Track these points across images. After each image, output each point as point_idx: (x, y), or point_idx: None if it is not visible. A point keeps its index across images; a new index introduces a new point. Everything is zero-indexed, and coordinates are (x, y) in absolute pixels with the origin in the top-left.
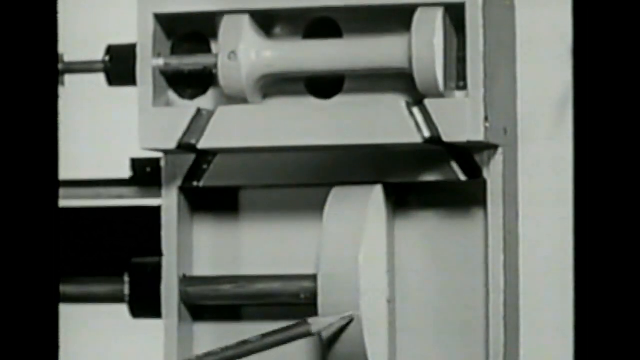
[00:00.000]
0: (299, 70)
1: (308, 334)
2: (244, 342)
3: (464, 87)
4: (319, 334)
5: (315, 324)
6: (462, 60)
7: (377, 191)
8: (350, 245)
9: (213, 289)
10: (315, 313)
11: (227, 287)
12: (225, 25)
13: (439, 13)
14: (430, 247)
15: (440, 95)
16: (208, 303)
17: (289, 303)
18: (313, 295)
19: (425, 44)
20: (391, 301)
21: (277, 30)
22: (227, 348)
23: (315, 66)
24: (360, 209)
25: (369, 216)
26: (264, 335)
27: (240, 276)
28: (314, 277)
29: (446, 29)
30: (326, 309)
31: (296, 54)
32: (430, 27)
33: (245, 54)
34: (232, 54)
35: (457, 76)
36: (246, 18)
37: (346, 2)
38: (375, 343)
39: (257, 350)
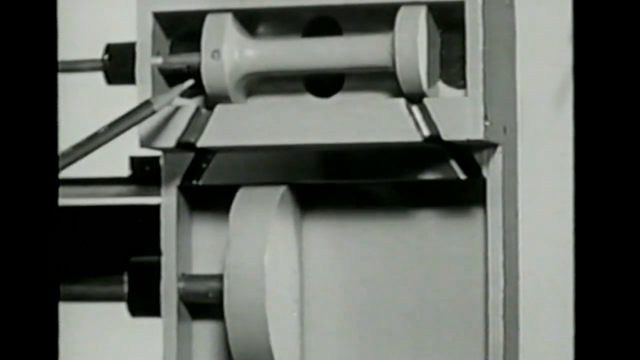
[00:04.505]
0: (283, 69)
1: (152, 113)
2: (95, 135)
3: (463, 86)
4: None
5: (157, 101)
6: (461, 59)
7: (283, 192)
8: (256, 245)
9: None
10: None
11: None
12: (209, 24)
13: (422, 11)
14: (430, 245)
15: (423, 94)
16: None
17: (198, 302)
18: (220, 295)
19: (408, 42)
20: (298, 302)
21: (273, 29)
22: (79, 145)
23: (300, 65)
24: (266, 210)
25: (275, 217)
26: (111, 125)
27: None
28: (220, 277)
29: (429, 28)
30: (232, 309)
31: (279, 52)
32: (413, 26)
33: (229, 53)
34: (216, 53)
35: (456, 75)
36: (229, 17)
37: (338, 2)
38: (282, 343)
39: (108, 140)
